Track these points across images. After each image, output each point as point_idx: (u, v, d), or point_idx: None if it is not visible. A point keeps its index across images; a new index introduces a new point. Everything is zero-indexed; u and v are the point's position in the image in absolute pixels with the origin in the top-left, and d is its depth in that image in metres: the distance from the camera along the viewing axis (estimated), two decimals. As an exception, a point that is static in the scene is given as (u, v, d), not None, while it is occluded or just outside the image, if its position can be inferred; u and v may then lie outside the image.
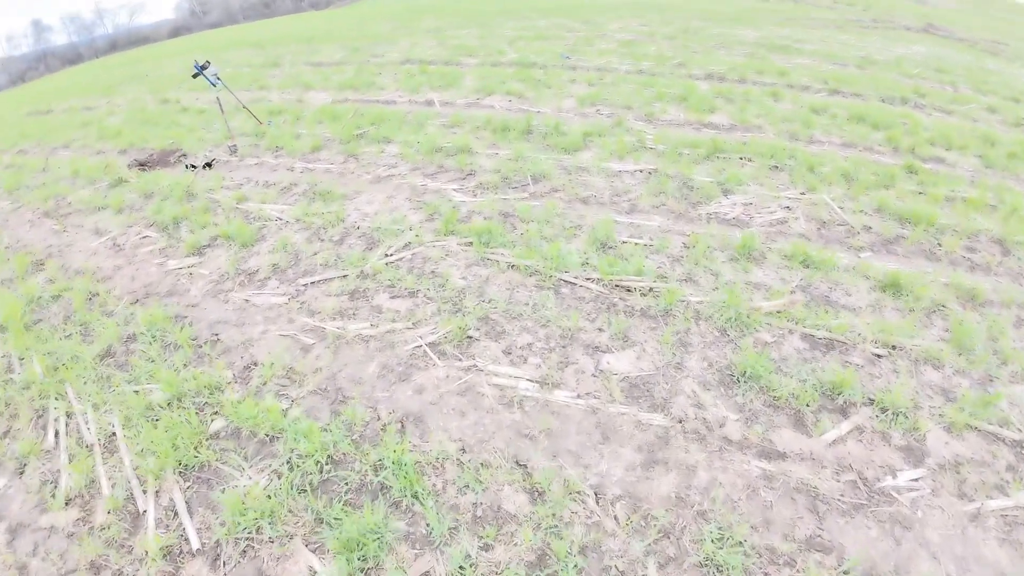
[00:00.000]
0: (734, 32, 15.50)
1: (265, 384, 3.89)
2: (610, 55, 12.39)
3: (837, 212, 5.54)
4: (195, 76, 7.63)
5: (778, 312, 4.06)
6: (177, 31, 48.21)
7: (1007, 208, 5.89)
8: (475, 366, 3.72)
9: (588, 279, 4.41)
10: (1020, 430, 3.57)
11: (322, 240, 5.35)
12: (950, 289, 4.55)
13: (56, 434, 3.90)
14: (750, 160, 6.68)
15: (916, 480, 3.26)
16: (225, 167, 7.80)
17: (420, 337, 3.99)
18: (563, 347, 3.79)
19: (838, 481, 3.23)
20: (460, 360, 3.79)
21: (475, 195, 5.97)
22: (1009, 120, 9.20)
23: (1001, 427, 3.52)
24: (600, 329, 3.91)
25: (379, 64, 13.01)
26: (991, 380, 3.85)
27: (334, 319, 4.35)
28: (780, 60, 11.93)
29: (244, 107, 8.85)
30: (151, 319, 4.63)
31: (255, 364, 4.10)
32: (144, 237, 6.12)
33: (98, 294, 5.28)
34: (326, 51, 15.86)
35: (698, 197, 5.74)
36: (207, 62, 7.57)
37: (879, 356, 3.90)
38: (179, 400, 3.88)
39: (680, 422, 3.38)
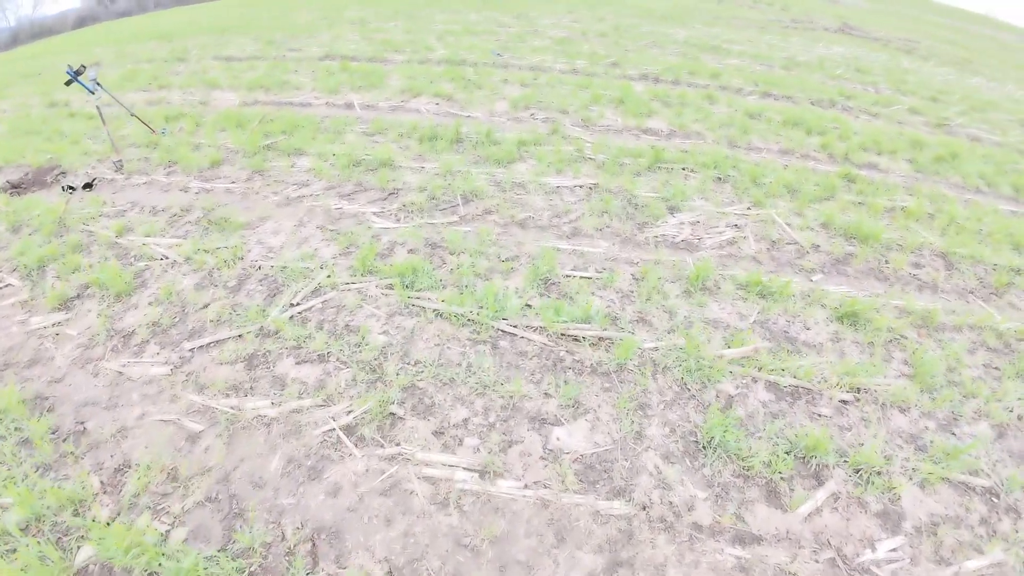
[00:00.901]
0: (665, 31, 15.23)
1: (140, 495, 3.15)
2: (544, 53, 11.81)
3: (786, 230, 5.22)
4: (68, 84, 6.52)
5: (741, 358, 3.65)
6: (83, 21, 44.05)
7: (944, 217, 5.78)
8: (401, 454, 3.11)
9: (530, 327, 3.86)
10: (989, 475, 3.34)
11: (215, 286, 4.55)
12: (905, 316, 4.31)
13: None
14: (693, 171, 6.30)
15: (894, 550, 2.96)
16: (108, 188, 6.76)
17: (333, 418, 3.33)
18: (505, 421, 3.23)
19: (817, 562, 2.87)
20: (382, 447, 3.16)
21: (398, 220, 5.29)
22: (932, 122, 9.30)
23: (972, 476, 3.28)
24: (547, 394, 3.37)
25: (296, 60, 11.92)
26: (955, 419, 3.61)
27: (227, 395, 3.62)
28: (712, 61, 11.72)
29: (133, 114, 7.74)
30: (5, 407, 3.75)
31: (128, 465, 3.34)
32: (6, 286, 5.11)
33: (-62, 366, 4.30)
34: (238, 44, 14.52)
35: (644, 217, 5.29)
36: (82, 66, 6.48)
37: (846, 403, 3.58)
38: (38, 522, 3.10)
39: (644, 509, 2.90)
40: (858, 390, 3.65)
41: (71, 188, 6.77)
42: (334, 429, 3.26)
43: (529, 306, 4.03)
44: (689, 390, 3.44)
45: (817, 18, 20.81)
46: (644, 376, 3.48)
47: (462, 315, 3.94)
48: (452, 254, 4.67)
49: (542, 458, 3.03)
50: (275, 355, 3.82)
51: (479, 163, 6.41)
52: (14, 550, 2.96)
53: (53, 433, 3.61)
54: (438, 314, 4.01)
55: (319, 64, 11.24)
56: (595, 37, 13.93)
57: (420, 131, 7.30)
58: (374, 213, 5.42)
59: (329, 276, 4.47)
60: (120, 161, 7.24)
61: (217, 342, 3.99)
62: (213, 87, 10.37)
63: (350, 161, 6.43)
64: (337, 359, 3.71)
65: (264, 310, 4.20)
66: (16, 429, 3.63)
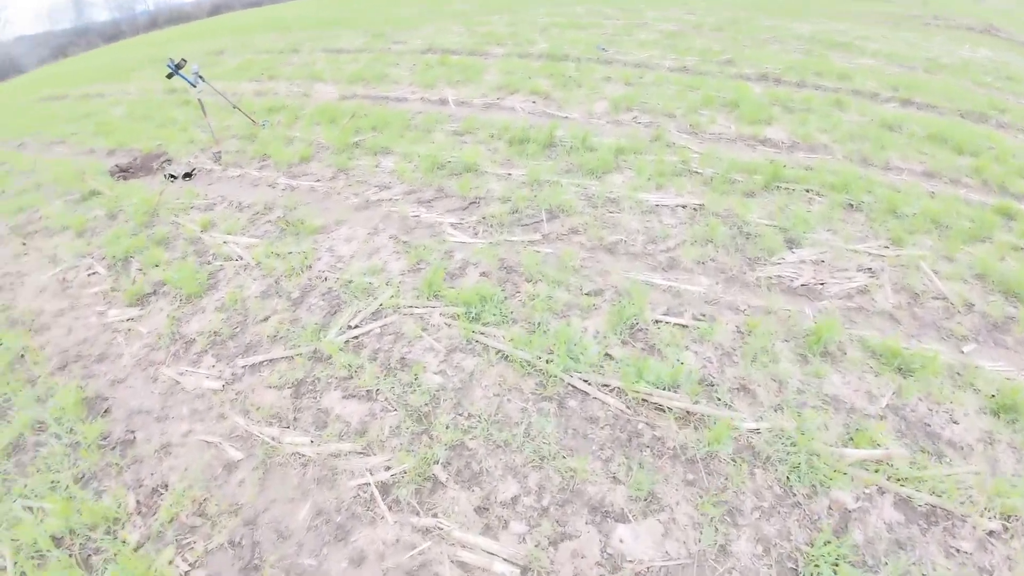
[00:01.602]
0: (787, 25, 13.70)
1: (170, 523, 2.95)
2: (651, 48, 10.94)
3: (932, 280, 4.24)
4: (169, 76, 6.68)
5: (868, 461, 2.88)
6: (218, 8, 47.55)
7: None
8: (437, 528, 2.68)
9: (606, 387, 3.29)
10: None
11: (279, 296, 4.35)
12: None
13: None
14: (818, 194, 5.36)
15: None
16: (205, 178, 6.89)
17: (370, 471, 2.96)
18: (560, 506, 2.70)
19: None
20: (418, 515, 2.75)
21: (475, 234, 4.87)
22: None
23: None
24: (615, 479, 2.80)
25: (398, 53, 11.87)
26: None
27: (270, 423, 3.37)
28: (841, 59, 10.28)
29: (235, 107, 7.90)
30: (64, 405, 3.75)
31: (165, 487, 3.16)
32: (93, 274, 5.25)
33: (28, 352, 4.44)
34: (348, 36, 14.78)
35: (755, 250, 4.51)
36: (183, 60, 6.61)
37: (991, 533, 2.70)
38: (71, 535, 2.99)
39: (723, 652, 2.28)
40: (1009, 517, 2.76)
41: (172, 176, 6.96)
42: (369, 484, 2.89)
43: (609, 356, 3.45)
44: (795, 495, 2.73)
45: (958, 16, 18.06)
46: (739, 471, 2.81)
47: (529, 362, 3.44)
48: (528, 281, 4.17)
49: (598, 564, 2.48)
50: (323, 384, 3.52)
51: (571, 172, 5.85)
52: (43, 559, 2.85)
53: (103, 439, 3.53)
54: (502, 356, 3.53)
55: (420, 57, 11.09)
56: (709, 31, 12.79)
57: (511, 132, 6.84)
58: (451, 224, 5.03)
59: (393, 296, 4.13)
60: (219, 152, 7.38)
61: (270, 361, 3.77)
62: (316, 79, 10.50)
63: (434, 164, 6.10)
64: (385, 399, 3.34)
65: (321, 330, 3.92)
66: (70, 431, 3.59)
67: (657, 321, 3.77)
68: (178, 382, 3.83)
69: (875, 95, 8.60)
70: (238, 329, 4.10)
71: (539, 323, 3.74)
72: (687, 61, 10.06)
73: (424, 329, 3.80)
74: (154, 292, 4.73)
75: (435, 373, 3.47)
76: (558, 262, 4.39)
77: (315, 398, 3.45)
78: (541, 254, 4.49)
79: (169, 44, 20.57)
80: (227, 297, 4.40)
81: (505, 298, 4.00)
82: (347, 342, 3.79)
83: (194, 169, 7.07)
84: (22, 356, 4.46)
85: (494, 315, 3.80)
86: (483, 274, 4.28)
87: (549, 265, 4.36)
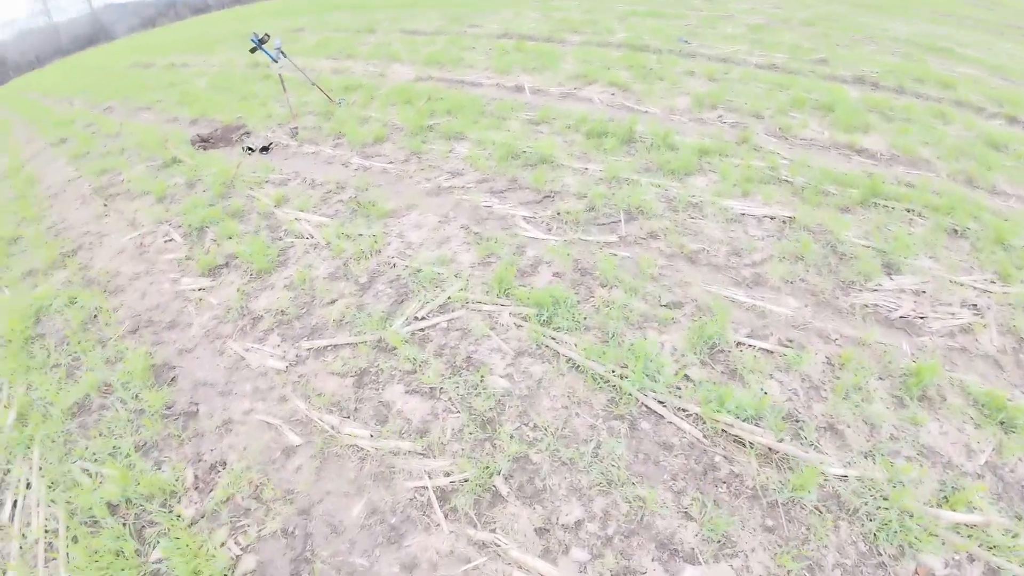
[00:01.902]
0: (883, 24, 12.70)
1: (225, 503, 2.94)
2: (737, 42, 10.37)
3: (1049, 323, 3.78)
4: (253, 51, 6.76)
5: (961, 525, 2.56)
6: (300, -17, 48.57)
7: None
8: (494, 544, 2.54)
9: (683, 411, 3.06)
10: None
11: (347, 279, 4.31)
12: None
13: (13, 508, 3.20)
14: (920, 215, 4.90)
15: None
16: (281, 153, 6.97)
17: (428, 475, 2.86)
18: (626, 537, 2.52)
19: None
20: (475, 527, 2.62)
21: (549, 230, 4.69)
22: None
23: None
24: (687, 514, 2.59)
25: (475, 36, 11.74)
26: None
27: (331, 410, 3.31)
28: (940, 66, 9.42)
29: (314, 84, 7.96)
30: (132, 370, 3.82)
31: (223, 465, 3.16)
32: (169, 240, 5.38)
33: (101, 312, 4.58)
34: (426, 17, 14.76)
35: (849, 272, 4.14)
36: (266, 35, 6.66)
37: None
38: (127, 504, 3.03)
39: None
40: None
41: (250, 149, 7.07)
42: (427, 488, 2.79)
43: (688, 378, 3.22)
44: (880, 555, 2.45)
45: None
46: (824, 521, 2.55)
47: (601, 376, 3.25)
48: (603, 287, 3.97)
49: (668, 606, 2.29)
50: (386, 376, 3.44)
51: (650, 171, 5.57)
52: (97, 534, 2.89)
53: (167, 409, 3.58)
54: (573, 365, 3.36)
55: (496, 42, 10.92)
56: (799, 26, 12.01)
57: (588, 124, 6.59)
58: (524, 218, 4.87)
59: (461, 289, 4.01)
60: (296, 128, 7.45)
61: (334, 347, 3.72)
62: (393, 60, 10.50)
63: (508, 152, 5.93)
64: (449, 399, 3.23)
65: (387, 318, 3.85)
66: (135, 397, 3.65)
67: (740, 344, 3.51)
68: (243, 358, 3.85)
69: (980, 109, 7.86)
70: (304, 310, 4.08)
71: (613, 333, 3.54)
72: (776, 58, 9.48)
73: (492, 328, 3.67)
74: (226, 264, 4.79)
75: (501, 376, 3.33)
76: (635, 268, 4.17)
77: (377, 389, 3.38)
78: (617, 257, 4.27)
79: (252, 19, 21.15)
80: (296, 276, 4.39)
81: (578, 302, 3.81)
82: (412, 334, 3.70)
83: (271, 143, 7.17)
84: (95, 316, 4.60)
85: (566, 320, 3.62)
86: (556, 274, 4.10)
87: (626, 270, 4.13)
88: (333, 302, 4.07)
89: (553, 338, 3.54)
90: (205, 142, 7.68)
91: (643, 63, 8.92)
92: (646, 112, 7.23)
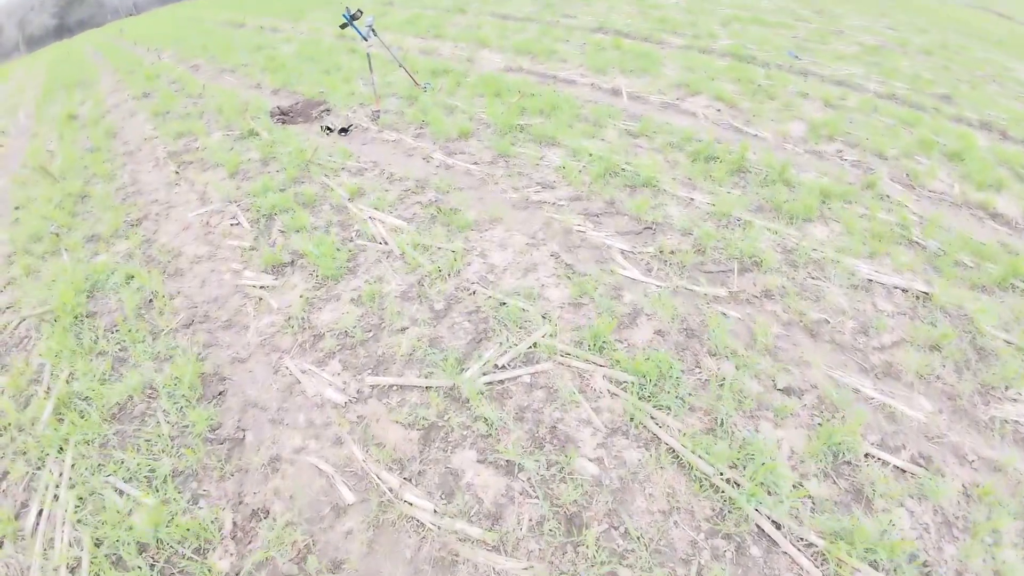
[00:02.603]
0: (1005, 63, 11.22)
1: (263, 564, 2.53)
2: (852, 63, 9.32)
3: None
4: (343, 27, 6.34)
5: None
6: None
7: None
8: None
9: (802, 540, 2.46)
10: None
11: (421, 301, 3.84)
12: None
13: (38, 518, 2.93)
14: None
15: None
16: (360, 137, 6.57)
17: (498, 575, 2.36)
18: None
19: None
20: (554, 669, 2.11)
21: (649, 270, 4.09)
22: None
23: None
24: None
25: (568, 28, 11.05)
26: None
27: (391, 468, 2.86)
28: None
29: (401, 65, 7.52)
30: (180, 375, 3.48)
31: (265, 514, 2.76)
32: (236, 224, 5.06)
33: (157, 298, 4.28)
34: (516, 2, 14.11)
35: (990, 375, 3.40)
36: (359, 11, 6.23)
37: None
38: (157, 545, 2.68)
39: None
40: None
41: (329, 129, 6.72)
42: (498, 599, 2.29)
43: (809, 497, 2.61)
44: None
45: None
46: None
47: (707, 477, 2.67)
48: (712, 355, 3.36)
49: None
50: (457, 436, 2.96)
51: (764, 212, 4.87)
52: (122, 565, 2.54)
53: (212, 432, 3.21)
54: (674, 456, 2.79)
55: (590, 36, 10.21)
56: (917, 54, 10.76)
57: (694, 145, 5.90)
58: (622, 252, 4.28)
59: (550, 335, 3.48)
60: (379, 112, 7.05)
61: (400, 388, 3.26)
62: (482, 45, 9.96)
63: (606, 169, 5.33)
64: (528, 480, 2.72)
65: (463, 361, 3.36)
66: (180, 410, 3.29)
67: (869, 455, 2.85)
68: (299, 381, 3.44)
69: None
70: (371, 334, 3.64)
71: (723, 420, 2.94)
72: (896, 87, 8.44)
73: (582, 392, 3.13)
74: (292, 262, 4.41)
75: (591, 460, 2.79)
76: (748, 335, 3.53)
77: (446, 451, 2.90)
78: (729, 319, 3.64)
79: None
80: (365, 289, 3.95)
81: (682, 372, 3.22)
82: (490, 384, 3.19)
83: (351, 125, 6.78)
84: (151, 301, 4.31)
85: (669, 396, 3.04)
86: (658, 332, 3.51)
87: (738, 337, 3.51)
88: (403, 330, 3.61)
89: (653, 417, 2.97)
90: (284, 115, 7.37)
91: (751, 77, 8.07)
92: (756, 136, 6.46)
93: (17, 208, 6.36)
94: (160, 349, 3.85)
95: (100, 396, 3.49)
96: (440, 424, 3.03)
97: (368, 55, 6.67)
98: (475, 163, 5.72)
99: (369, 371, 3.39)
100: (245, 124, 7.00)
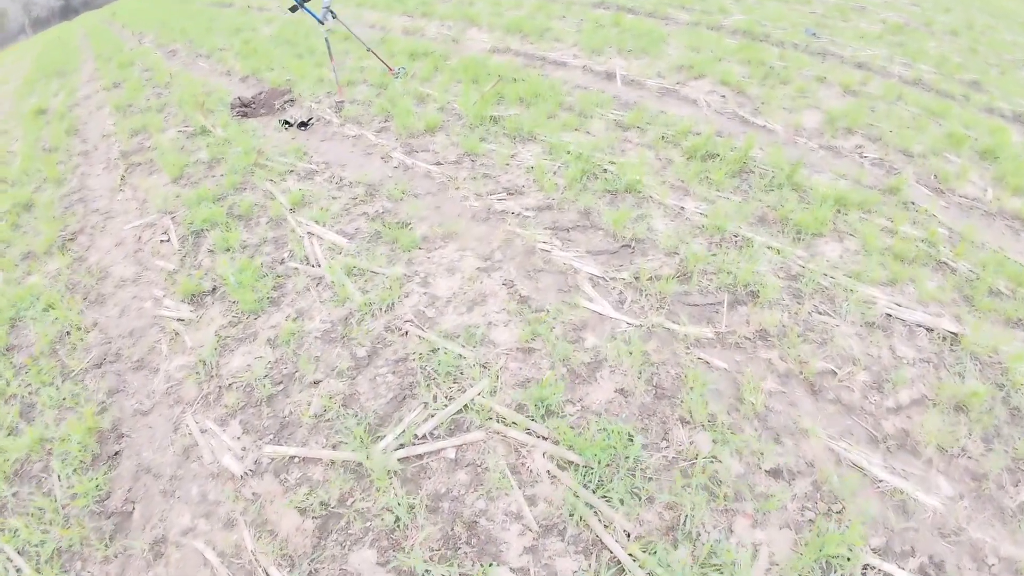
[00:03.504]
0: None
1: None
2: (875, 44, 8.35)
3: None
4: (293, 10, 5.71)
5: None
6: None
7: None
8: None
9: None
10: None
11: (343, 344, 3.29)
12: None
13: None
14: None
15: None
16: (320, 132, 5.98)
17: None
18: None
19: None
20: None
21: (620, 305, 3.47)
22: None
23: None
24: None
25: (567, 3, 10.21)
26: None
27: (279, 564, 2.35)
28: None
29: (370, 50, 6.87)
30: (76, 431, 3.02)
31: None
32: (165, 241, 4.54)
33: (73, 331, 3.81)
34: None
35: (1036, 446, 2.74)
36: (312, -8, 5.58)
37: None
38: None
39: None
40: None
41: (287, 123, 6.15)
42: None
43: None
44: None
45: None
46: None
47: (670, 602, 2.10)
48: (685, 423, 2.76)
49: None
50: (358, 530, 2.43)
51: (767, 224, 4.19)
52: None
53: (99, 503, 2.75)
54: (619, 569, 2.21)
55: (590, 12, 9.39)
56: (943, 34, 9.67)
57: (691, 140, 5.19)
58: (591, 278, 3.66)
59: (488, 393, 2.90)
60: (342, 102, 6.44)
61: (302, 461, 2.73)
62: (471, 23, 9.21)
63: (584, 172, 4.68)
64: (432, 602, 2.17)
65: (378, 427, 2.81)
66: (72, 472, 2.83)
67: (868, 568, 2.25)
68: (197, 443, 2.94)
69: None
70: (280, 387, 3.10)
71: (687, 516, 2.35)
72: (922, 70, 7.51)
73: (516, 473, 2.56)
74: (213, 290, 3.88)
75: (512, 571, 2.23)
76: (734, 392, 2.92)
77: (343, 547, 2.37)
78: (711, 370, 3.02)
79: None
80: (284, 328, 3.41)
81: (644, 448, 2.63)
82: (406, 460, 2.64)
83: (311, 119, 6.19)
84: (68, 334, 3.83)
85: (622, 486, 2.46)
86: (620, 391, 2.91)
87: (720, 396, 2.89)
88: (316, 383, 3.06)
89: (599, 513, 2.39)
90: (245, 107, 6.80)
91: (763, 58, 7.23)
92: (764, 127, 5.71)
93: (-37, 217, 5.92)
94: (66, 395, 3.39)
95: (2, 451, 3.06)
96: (341, 512, 2.49)
97: (327, 40, 6.02)
98: (438, 163, 5.10)
99: (271, 436, 2.86)
100: (197, 120, 6.44)
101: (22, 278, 4.59)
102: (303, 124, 6.11)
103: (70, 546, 2.61)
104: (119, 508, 2.78)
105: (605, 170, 4.74)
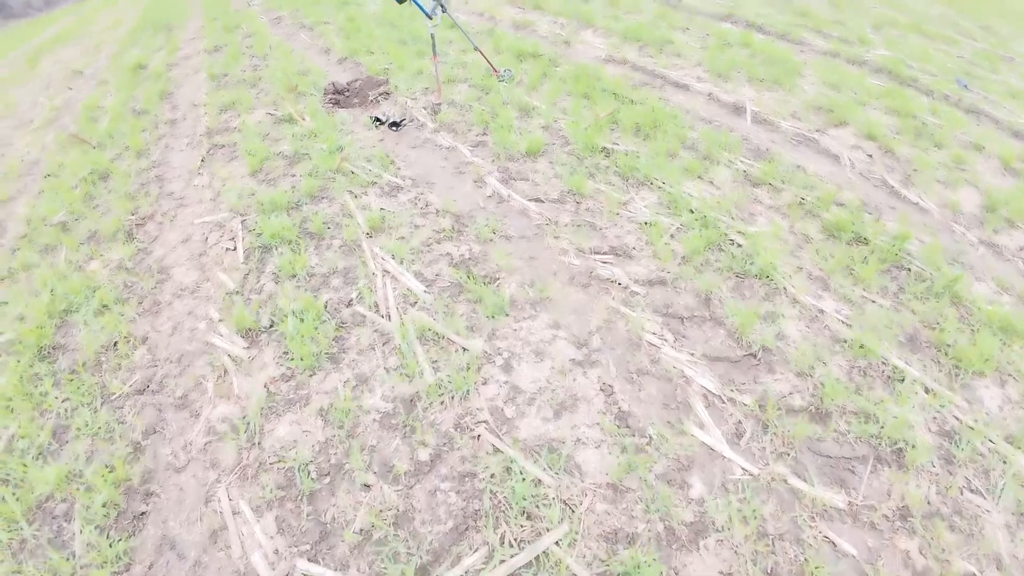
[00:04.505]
0: None
1: None
2: None
3: None
4: (401, 1, 5.20)
5: None
6: None
7: None
8: None
9: None
10: None
11: (404, 436, 2.80)
12: None
13: None
14: None
15: None
16: (412, 136, 5.51)
17: None
18: None
19: None
20: None
21: (738, 440, 2.82)
22: None
23: None
24: None
25: (690, 13, 9.28)
26: None
27: None
28: None
29: (477, 48, 6.30)
30: (104, 475, 2.69)
31: None
32: (230, 250, 4.18)
33: (121, 343, 3.50)
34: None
35: None
36: (426, -20, 5.05)
37: None
38: None
39: None
40: None
41: (379, 121, 5.71)
42: None
43: None
44: None
45: None
46: None
47: None
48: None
49: None
50: None
51: (920, 350, 3.39)
52: None
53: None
54: None
55: (715, 27, 8.46)
56: None
57: (834, 214, 4.39)
58: (705, 395, 3.01)
59: (567, 544, 2.34)
60: (439, 105, 5.94)
61: (335, 597, 2.26)
62: (585, 24, 8.49)
63: (708, 240, 3.98)
64: None
65: (428, 569, 2.30)
66: (88, 531, 2.49)
67: None
68: (227, 527, 2.52)
69: None
70: (326, 482, 2.64)
71: None
72: None
73: None
74: (271, 327, 3.47)
75: None
76: (880, 599, 2.23)
77: None
78: (838, 555, 2.36)
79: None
80: (340, 397, 2.95)
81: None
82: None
83: (404, 119, 5.72)
84: (115, 345, 3.53)
85: None
86: (722, 575, 2.28)
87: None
88: (367, 487, 2.58)
89: None
90: (338, 95, 6.42)
91: (911, 108, 6.18)
92: (917, 205, 4.78)
93: (47, 176, 5.83)
94: (101, 424, 3.07)
95: (25, 482, 2.79)
96: None
97: (432, 36, 5.49)
98: (536, 198, 4.51)
99: (308, 547, 2.41)
100: (287, 105, 6.09)
101: (84, 262, 4.36)
102: (395, 124, 5.65)
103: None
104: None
105: (732, 240, 4.03)
